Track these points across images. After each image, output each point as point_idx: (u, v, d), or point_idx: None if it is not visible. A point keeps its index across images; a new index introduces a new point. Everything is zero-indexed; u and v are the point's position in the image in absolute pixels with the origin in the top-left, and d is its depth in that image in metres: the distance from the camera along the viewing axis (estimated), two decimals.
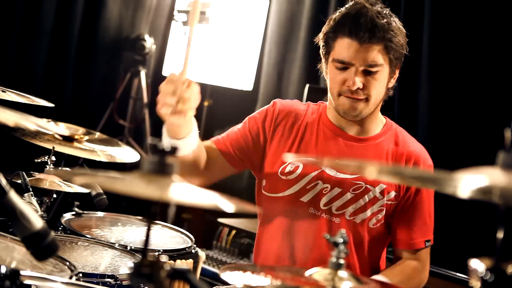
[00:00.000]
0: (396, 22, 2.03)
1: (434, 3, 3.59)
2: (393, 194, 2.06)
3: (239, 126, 2.20)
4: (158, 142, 1.01)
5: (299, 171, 2.08)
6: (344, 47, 1.99)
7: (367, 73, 1.98)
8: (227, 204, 1.04)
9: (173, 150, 1.00)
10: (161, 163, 1.00)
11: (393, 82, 2.09)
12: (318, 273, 1.32)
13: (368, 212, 2.06)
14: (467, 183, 0.99)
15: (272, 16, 4.56)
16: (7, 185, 1.18)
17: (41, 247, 1.19)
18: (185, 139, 1.90)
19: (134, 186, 0.99)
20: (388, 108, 2.81)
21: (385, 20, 1.98)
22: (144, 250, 1.01)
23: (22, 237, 1.19)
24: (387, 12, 2.02)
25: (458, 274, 2.96)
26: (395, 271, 2.10)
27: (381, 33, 1.97)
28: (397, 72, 2.08)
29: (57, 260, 1.63)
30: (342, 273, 1.30)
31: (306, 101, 3.54)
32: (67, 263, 1.61)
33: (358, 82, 1.97)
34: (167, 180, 1.00)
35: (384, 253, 2.20)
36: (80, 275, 1.61)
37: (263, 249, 2.18)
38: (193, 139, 1.94)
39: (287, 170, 2.09)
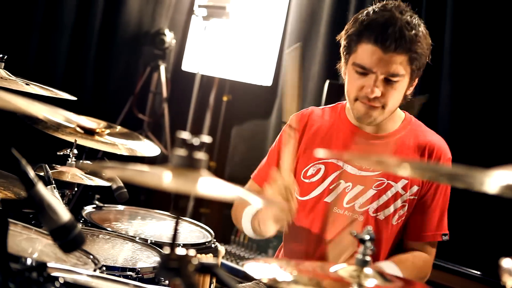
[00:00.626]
0: (422, 31, 1.98)
1: (456, 1, 3.56)
2: (415, 188, 2.06)
3: (270, 154, 2.26)
4: (187, 135, 1.00)
5: (321, 173, 2.10)
6: (367, 53, 1.95)
7: (387, 82, 1.96)
8: (255, 199, 1.03)
9: (202, 144, 1.00)
10: (190, 157, 1.00)
11: (411, 90, 2.06)
12: (343, 269, 1.31)
13: (391, 208, 2.05)
14: (497, 180, 0.97)
15: (292, 11, 4.54)
16: (35, 178, 1.18)
17: (68, 240, 1.19)
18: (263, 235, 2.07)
19: (163, 180, 0.98)
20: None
21: (413, 32, 1.93)
22: (172, 244, 1.01)
23: (49, 229, 1.19)
24: (415, 22, 1.97)
25: (471, 270, 2.95)
26: (406, 260, 2.07)
27: (408, 45, 1.92)
28: (416, 80, 2.05)
29: (81, 253, 1.64)
30: (368, 270, 1.29)
31: (326, 96, 3.54)
32: (91, 256, 1.61)
33: (377, 91, 1.95)
34: (196, 174, 1.00)
35: None
36: (104, 268, 1.61)
37: (288, 249, 2.18)
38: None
39: (309, 173, 2.12)
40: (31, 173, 1.18)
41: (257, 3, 4.59)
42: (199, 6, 4.58)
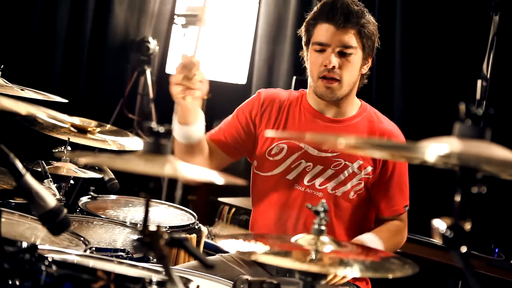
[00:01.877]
0: (368, 14, 2.05)
1: None
2: (369, 169, 2.06)
3: (230, 118, 2.20)
4: (154, 125, 1.01)
5: (284, 152, 2.09)
6: (322, 31, 2.01)
7: (342, 54, 2.00)
8: (217, 178, 1.04)
9: (167, 132, 1.00)
10: (157, 144, 1.00)
11: (366, 69, 2.09)
12: (302, 238, 1.32)
13: (348, 186, 2.07)
14: (431, 150, 0.99)
15: (261, 16, 4.54)
16: (23, 169, 1.18)
17: (56, 223, 1.19)
18: (194, 125, 1.94)
19: (133, 164, 0.99)
20: (366, 94, 2.81)
21: (358, 8, 2.02)
22: (144, 222, 1.02)
23: (38, 214, 1.19)
24: (361, 4, 2.05)
25: (428, 238, 2.98)
26: (382, 229, 2.12)
27: (355, 19, 1.99)
28: (369, 61, 2.08)
29: (73, 236, 1.63)
30: (324, 238, 1.31)
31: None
32: (82, 239, 1.61)
33: (334, 61, 1.99)
34: (163, 159, 1.00)
35: (371, 218, 2.20)
36: (94, 249, 1.61)
37: (257, 222, 2.19)
38: (201, 126, 1.97)
39: (273, 151, 2.10)
40: (19, 165, 1.18)
41: (230, 10, 4.58)
42: (178, 16, 4.57)
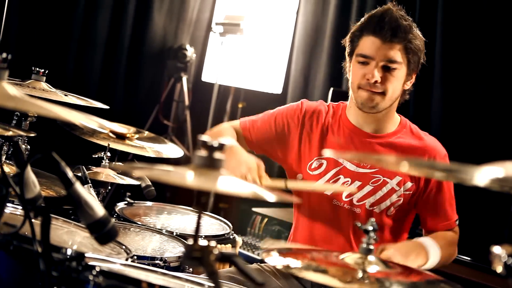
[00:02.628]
0: (416, 28, 2.02)
1: (446, 8, 3.53)
2: (409, 184, 2.03)
3: (267, 116, 2.20)
4: (208, 139, 1.00)
5: (323, 167, 2.08)
6: (368, 43, 1.99)
7: (386, 69, 1.97)
8: (269, 195, 1.02)
9: (221, 146, 0.99)
10: (210, 158, 0.99)
11: (409, 85, 2.06)
12: (349, 257, 1.30)
13: (388, 202, 2.04)
14: (486, 174, 0.96)
15: (299, 27, 4.53)
16: (73, 177, 1.18)
17: (103, 233, 1.19)
18: None
19: (187, 179, 0.98)
20: (403, 109, 2.77)
21: (407, 23, 1.98)
22: (195, 235, 1.00)
23: (86, 223, 1.19)
24: (409, 18, 2.01)
25: (461, 256, 2.91)
26: (438, 235, 2.05)
27: (403, 34, 1.96)
28: (413, 76, 2.05)
29: (115, 244, 1.63)
30: (371, 257, 1.28)
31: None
32: (123, 247, 1.61)
33: (377, 75, 1.96)
34: (216, 173, 0.99)
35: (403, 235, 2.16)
36: (135, 257, 1.61)
37: (297, 234, 2.18)
38: None
39: (313, 166, 2.09)
40: (70, 173, 1.18)
41: (268, 20, 4.58)
42: (216, 24, 4.59)
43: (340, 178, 2.05)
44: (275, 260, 1.27)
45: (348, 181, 2.05)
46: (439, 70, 3.56)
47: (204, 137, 1.01)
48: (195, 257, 0.99)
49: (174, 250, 2.18)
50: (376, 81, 1.96)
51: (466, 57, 3.47)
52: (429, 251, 1.93)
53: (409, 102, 3.69)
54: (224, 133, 2.15)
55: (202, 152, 1.00)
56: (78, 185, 1.18)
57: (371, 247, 1.25)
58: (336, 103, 2.20)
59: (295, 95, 4.51)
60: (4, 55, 1.09)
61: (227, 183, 0.99)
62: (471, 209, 3.17)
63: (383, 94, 1.98)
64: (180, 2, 4.94)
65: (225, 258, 1.00)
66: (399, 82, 2.00)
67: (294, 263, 1.27)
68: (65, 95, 2.30)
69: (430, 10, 3.61)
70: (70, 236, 1.68)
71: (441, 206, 2.07)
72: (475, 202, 3.13)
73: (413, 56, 1.99)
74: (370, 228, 1.24)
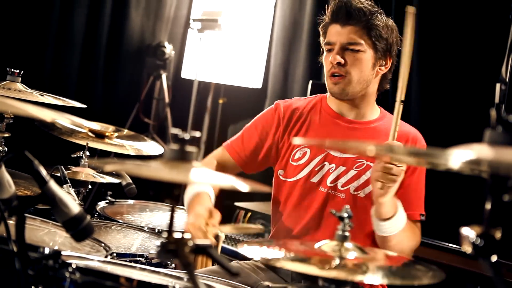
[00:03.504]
0: (382, 15, 2.05)
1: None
2: None
3: (248, 129, 2.21)
4: (179, 131, 1.00)
5: (307, 156, 2.09)
6: (331, 31, 2.05)
7: (348, 51, 2.01)
8: (242, 185, 1.03)
9: (192, 139, 1.00)
10: (182, 151, 1.00)
11: (384, 70, 2.06)
12: (326, 245, 1.31)
13: (370, 187, 2.02)
14: (458, 157, 0.97)
15: (277, 21, 4.54)
16: (47, 175, 1.18)
17: (79, 230, 1.19)
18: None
19: (159, 171, 0.98)
20: (384, 99, 2.78)
21: (365, 6, 2.02)
22: (169, 229, 1.01)
23: (61, 221, 1.19)
24: (373, 5, 2.05)
25: (449, 244, 2.94)
26: (407, 226, 1.98)
27: (359, 16, 2.00)
28: (388, 62, 2.05)
29: (94, 242, 1.63)
30: (348, 244, 1.29)
31: (310, 95, 3.54)
32: (103, 244, 1.61)
33: (337, 57, 2.00)
34: (188, 166, 1.00)
35: None
36: (114, 254, 1.61)
37: (280, 228, 2.17)
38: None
39: (296, 156, 2.10)
40: (43, 171, 1.18)
41: (245, 15, 4.58)
42: (194, 20, 4.58)
43: (325, 164, 2.06)
44: (253, 252, 1.27)
45: (332, 167, 2.06)
46: (416, 59, 3.58)
47: (175, 130, 1.02)
48: (170, 250, 0.99)
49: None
50: (339, 63, 1.99)
51: (443, 45, 3.50)
52: (399, 209, 1.91)
53: (389, 94, 3.72)
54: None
55: (174, 146, 1.00)
56: (52, 183, 1.18)
57: (347, 234, 1.26)
58: (315, 95, 2.22)
59: (275, 89, 4.52)
60: None
61: (199, 175, 1.00)
62: (443, 193, 3.21)
63: (348, 78, 2.00)
64: (157, 0, 4.92)
65: (200, 250, 1.00)
66: (365, 65, 2.01)
67: (272, 254, 1.28)
68: (41, 95, 2.29)
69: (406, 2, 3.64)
70: (50, 237, 1.68)
71: (407, 193, 2.03)
72: (447, 187, 3.17)
73: (378, 39, 2.01)
74: (345, 214, 1.25)
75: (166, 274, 1.35)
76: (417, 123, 3.47)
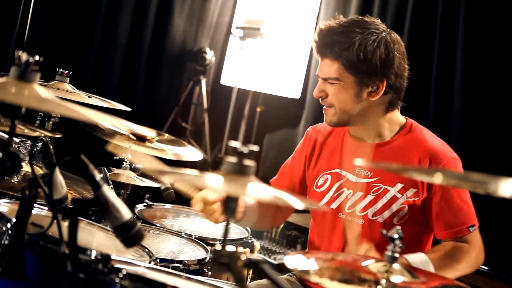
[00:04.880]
0: (362, 38, 1.93)
1: (468, 16, 3.50)
2: (412, 191, 1.95)
3: (285, 167, 2.29)
4: (238, 145, 1.00)
5: (328, 183, 2.10)
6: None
7: (327, 84, 1.99)
8: (297, 202, 1.02)
9: (251, 152, 0.99)
10: (240, 164, 0.99)
11: (377, 92, 1.97)
12: (373, 264, 1.28)
13: (389, 212, 1.98)
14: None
15: None
16: (101, 180, 1.19)
17: (129, 236, 1.19)
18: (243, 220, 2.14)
19: (217, 184, 0.98)
20: (423, 117, 2.74)
21: (341, 38, 1.93)
22: (223, 241, 1.00)
23: (112, 226, 1.20)
24: (348, 26, 1.95)
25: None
26: (439, 252, 1.96)
27: (334, 50, 1.93)
28: (381, 84, 1.96)
29: (137, 246, 1.64)
30: (396, 266, 1.27)
31: None
32: (146, 250, 1.62)
33: (316, 90, 2.01)
34: (245, 180, 0.99)
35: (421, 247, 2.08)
36: (157, 260, 1.62)
37: (311, 247, 2.21)
38: (250, 214, 2.13)
39: (319, 183, 2.13)
40: (98, 176, 1.19)
41: (288, 25, 4.58)
42: (237, 28, 4.59)
43: (343, 191, 2.06)
44: (296, 264, 1.25)
45: (350, 192, 2.04)
46: (460, 78, 3.53)
47: (234, 143, 1.01)
48: (223, 263, 0.99)
49: (193, 253, 2.18)
50: (321, 97, 2.00)
51: (488, 65, 3.44)
52: (408, 258, 1.86)
53: (428, 110, 3.67)
54: None
55: (232, 159, 1.00)
56: (105, 188, 1.19)
57: (396, 255, 1.24)
58: None
59: (314, 100, 4.49)
60: (37, 57, 1.10)
61: (256, 189, 0.99)
62: (490, 218, 3.14)
63: (332, 109, 2.00)
64: (200, 6, 4.96)
65: (252, 265, 1.00)
66: (346, 94, 1.96)
67: (314, 266, 1.26)
68: (88, 97, 2.32)
69: (452, 15, 3.58)
70: (92, 237, 1.69)
71: (446, 212, 1.96)
72: (494, 211, 3.10)
73: (355, 69, 1.93)
74: (396, 235, 1.22)
75: (210, 285, 1.35)
76: (457, 143, 3.42)
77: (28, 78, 1.11)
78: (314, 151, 2.17)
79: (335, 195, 2.06)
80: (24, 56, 1.10)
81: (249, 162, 0.99)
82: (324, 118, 2.06)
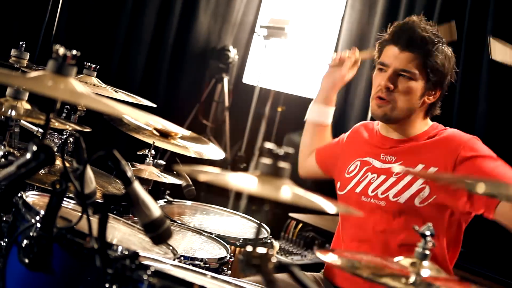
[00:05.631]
0: (443, 45, 2.00)
1: (496, 22, 3.47)
2: (433, 169, 1.94)
3: (334, 141, 2.41)
4: (273, 146, 0.99)
5: (357, 168, 2.14)
6: (387, 52, 2.02)
7: (399, 77, 1.98)
8: (330, 206, 1.01)
9: (286, 155, 0.98)
10: (275, 166, 0.99)
11: (430, 100, 2.02)
12: (403, 261, 1.25)
13: (409, 192, 1.97)
14: None
15: (343, 34, 4.51)
16: (132, 176, 1.19)
17: (158, 233, 1.19)
18: (332, 107, 2.40)
19: (251, 185, 0.97)
20: (447, 121, 2.70)
21: (427, 35, 1.97)
22: (255, 242, 1.00)
23: (142, 223, 1.19)
24: (433, 31, 2.00)
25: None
26: None
27: (420, 44, 1.96)
28: (438, 93, 2.02)
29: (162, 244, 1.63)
30: (426, 263, 1.24)
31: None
32: (170, 247, 1.62)
33: (387, 81, 1.98)
34: (280, 182, 0.98)
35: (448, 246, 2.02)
36: (182, 258, 1.61)
37: (337, 240, 2.22)
38: (331, 114, 2.40)
39: (350, 169, 2.16)
40: (129, 172, 1.19)
41: (312, 25, 4.57)
42: (261, 27, 4.59)
43: (367, 175, 2.09)
44: (328, 257, 1.23)
45: (374, 176, 2.07)
46: (485, 83, 3.49)
47: (269, 145, 1.01)
48: (254, 264, 0.98)
49: (214, 251, 2.18)
50: (388, 88, 1.98)
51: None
52: None
53: (452, 115, 3.63)
54: None
55: (267, 160, 0.99)
56: (136, 184, 1.19)
57: (427, 252, 1.21)
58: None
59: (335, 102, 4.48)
60: (74, 52, 1.10)
61: (289, 192, 0.98)
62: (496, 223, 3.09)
63: (392, 104, 1.99)
64: (225, 4, 4.96)
65: (283, 268, 0.99)
66: (414, 94, 1.98)
67: (344, 262, 1.24)
68: (115, 91, 2.33)
69: (480, 22, 3.55)
70: (115, 232, 1.69)
71: (490, 172, 1.88)
72: None
73: (432, 71, 1.97)
74: (427, 232, 1.20)
75: (236, 285, 1.35)
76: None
77: (64, 72, 1.11)
78: (355, 147, 2.22)
79: (360, 180, 2.10)
80: (61, 50, 1.10)
81: (283, 164, 0.99)
82: (375, 110, 2.03)
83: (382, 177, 2.04)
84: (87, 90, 1.10)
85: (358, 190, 2.09)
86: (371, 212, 2.02)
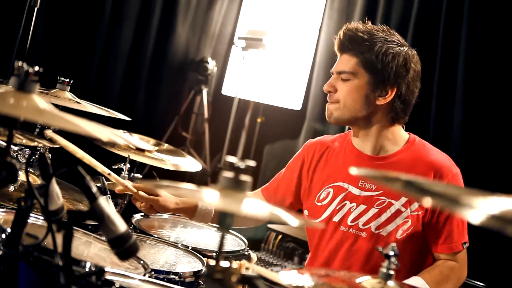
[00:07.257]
0: (386, 44, 1.98)
1: (470, 31, 3.51)
2: (416, 205, 1.96)
3: (282, 173, 2.31)
4: (234, 160, 1.00)
5: (330, 196, 2.09)
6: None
7: (341, 80, 2.01)
8: (292, 219, 1.02)
9: (247, 168, 0.99)
10: (236, 180, 0.99)
11: (382, 101, 1.99)
12: (368, 281, 1.28)
13: (393, 225, 1.98)
14: (483, 208, 0.89)
15: (321, 44, 4.55)
16: (97, 192, 1.19)
17: (124, 249, 1.19)
18: (196, 215, 2.24)
19: (212, 199, 0.98)
20: (423, 132, 2.73)
21: (362, 34, 1.98)
22: (217, 256, 1.00)
23: (108, 238, 1.19)
24: (375, 31, 2.00)
25: (475, 282, 2.87)
26: (434, 272, 1.97)
27: (354, 45, 1.98)
28: (391, 93, 1.98)
29: (133, 258, 1.63)
30: (391, 283, 1.26)
31: None
32: (141, 262, 1.61)
33: (327, 84, 2.03)
34: (241, 195, 0.99)
35: (422, 262, 2.07)
36: (153, 273, 1.61)
37: (313, 261, 2.18)
38: (204, 209, 2.18)
39: (321, 197, 2.11)
40: (94, 188, 1.19)
41: (290, 36, 4.60)
42: (239, 38, 4.62)
43: (346, 204, 2.05)
44: (291, 279, 1.25)
45: (353, 205, 2.03)
46: (461, 92, 3.53)
47: (231, 158, 1.01)
48: (217, 279, 0.98)
49: (189, 264, 2.17)
50: (329, 91, 2.02)
51: (489, 79, 3.44)
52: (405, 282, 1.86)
53: (429, 126, 3.67)
54: None
55: (228, 174, 1.00)
56: (101, 200, 1.19)
57: (391, 272, 1.23)
58: (346, 132, 2.22)
59: (314, 112, 4.51)
60: (36, 68, 1.10)
61: (251, 205, 0.99)
62: (486, 235, 3.13)
63: (336, 104, 2.02)
64: (203, 16, 4.98)
65: (246, 281, 0.99)
66: (357, 92, 1.98)
67: (309, 283, 1.25)
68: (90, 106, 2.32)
69: (454, 31, 3.59)
70: (87, 248, 1.69)
71: (447, 227, 1.97)
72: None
73: (371, 67, 1.97)
74: (391, 252, 1.22)
75: None
76: (457, 158, 3.40)
77: (27, 89, 1.11)
78: (311, 164, 2.17)
79: (337, 208, 2.05)
80: (24, 66, 1.10)
81: (245, 178, 0.99)
82: (326, 113, 2.06)
83: (363, 206, 2.02)
84: (50, 107, 1.10)
85: (336, 219, 2.05)
86: (350, 242, 2.02)
